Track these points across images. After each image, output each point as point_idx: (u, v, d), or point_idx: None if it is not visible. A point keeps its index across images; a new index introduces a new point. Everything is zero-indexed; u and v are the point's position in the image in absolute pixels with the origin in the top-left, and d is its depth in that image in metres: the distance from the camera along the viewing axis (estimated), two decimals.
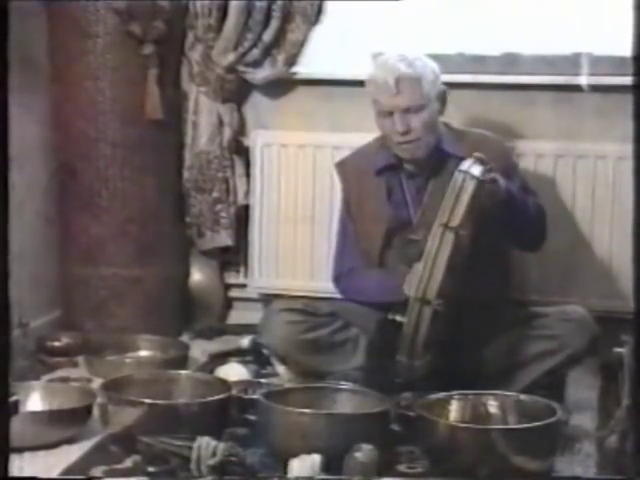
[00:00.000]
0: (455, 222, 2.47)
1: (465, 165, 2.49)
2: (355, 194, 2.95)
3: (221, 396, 2.51)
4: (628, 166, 2.94)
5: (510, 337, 2.76)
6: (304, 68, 3.45)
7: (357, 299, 2.91)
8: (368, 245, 2.89)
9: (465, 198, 2.46)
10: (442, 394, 2.42)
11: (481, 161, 2.50)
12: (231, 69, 3.42)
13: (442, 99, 2.84)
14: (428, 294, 2.49)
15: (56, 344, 3.19)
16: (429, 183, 2.85)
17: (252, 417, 2.48)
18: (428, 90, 2.78)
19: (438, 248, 2.48)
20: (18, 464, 2.18)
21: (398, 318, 2.58)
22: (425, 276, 2.49)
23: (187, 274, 3.56)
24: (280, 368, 2.93)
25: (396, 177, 2.89)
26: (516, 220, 2.68)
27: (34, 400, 2.54)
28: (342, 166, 3.02)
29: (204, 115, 3.45)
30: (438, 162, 2.84)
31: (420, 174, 2.86)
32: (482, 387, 2.49)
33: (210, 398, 2.50)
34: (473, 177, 2.47)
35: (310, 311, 2.90)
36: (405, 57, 2.79)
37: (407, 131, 2.77)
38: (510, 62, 3.38)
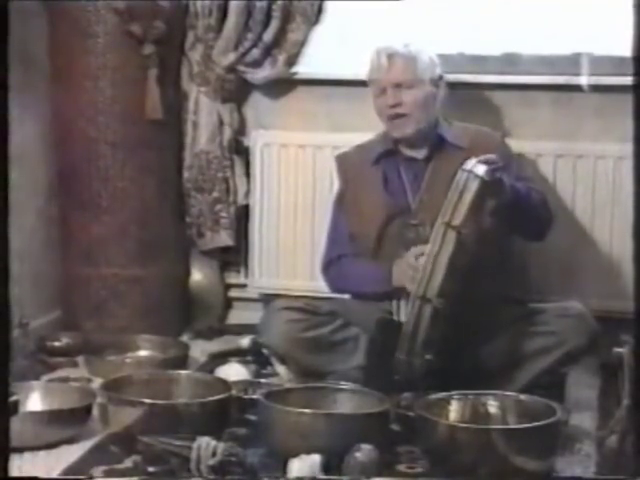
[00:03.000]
0: (457, 221, 2.47)
1: (469, 165, 2.50)
2: (352, 185, 2.95)
3: (221, 396, 2.51)
4: (628, 166, 2.97)
5: (509, 334, 2.76)
6: (304, 68, 3.45)
7: (344, 288, 2.92)
8: (364, 234, 2.88)
9: (468, 197, 2.47)
10: (442, 394, 2.42)
11: (487, 162, 2.51)
12: (231, 69, 3.42)
13: (437, 84, 2.87)
14: (429, 292, 2.50)
15: (56, 344, 3.19)
16: (427, 169, 2.87)
17: (252, 417, 2.48)
18: (422, 70, 2.84)
19: (440, 247, 2.49)
20: (18, 464, 2.19)
21: (403, 319, 2.58)
22: (426, 274, 2.50)
23: (187, 274, 3.56)
24: (280, 368, 2.93)
25: (394, 164, 2.91)
26: (522, 215, 2.69)
27: (34, 400, 2.54)
28: (342, 158, 3.04)
29: (204, 115, 3.45)
30: (435, 147, 2.87)
31: (417, 159, 2.88)
32: (481, 385, 2.48)
33: (210, 398, 2.50)
34: (477, 177, 2.47)
35: (310, 310, 2.90)
36: (401, 42, 2.87)
37: (397, 104, 2.80)
38: (510, 62, 3.38)
